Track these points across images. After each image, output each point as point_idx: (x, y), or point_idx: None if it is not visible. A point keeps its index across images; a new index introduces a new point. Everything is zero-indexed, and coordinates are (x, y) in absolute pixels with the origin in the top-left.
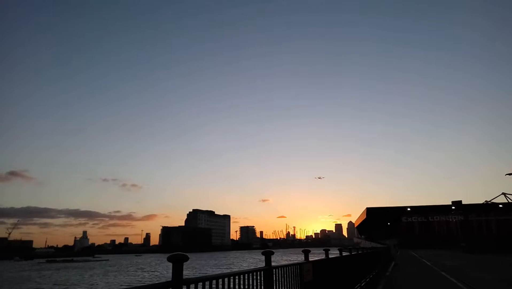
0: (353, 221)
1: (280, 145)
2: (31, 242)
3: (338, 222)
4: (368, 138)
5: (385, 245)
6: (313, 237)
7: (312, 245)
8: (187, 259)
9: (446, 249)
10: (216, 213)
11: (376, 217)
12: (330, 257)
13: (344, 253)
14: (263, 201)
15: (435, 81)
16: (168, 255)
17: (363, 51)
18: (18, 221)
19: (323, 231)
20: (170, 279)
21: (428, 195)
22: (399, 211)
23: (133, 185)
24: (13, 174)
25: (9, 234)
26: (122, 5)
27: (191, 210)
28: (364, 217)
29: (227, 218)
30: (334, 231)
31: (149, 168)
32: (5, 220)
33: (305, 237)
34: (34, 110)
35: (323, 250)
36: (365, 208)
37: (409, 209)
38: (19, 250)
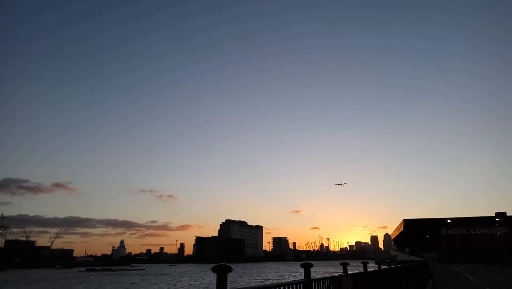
0: (390, 233)
1: (314, 156)
2: (72, 250)
3: (374, 234)
4: (406, 149)
5: (424, 259)
6: (348, 249)
7: (347, 257)
8: (231, 269)
9: (490, 263)
10: (248, 223)
11: (414, 229)
12: (368, 270)
13: (383, 267)
14: (296, 212)
15: (476, 88)
16: (201, 265)
17: (395, 62)
18: (60, 230)
19: (358, 243)
20: None
21: (469, 206)
22: (439, 223)
23: (169, 196)
24: (57, 185)
25: (52, 242)
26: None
27: (224, 220)
28: (401, 229)
29: (259, 228)
30: (369, 243)
31: (184, 179)
32: (49, 230)
33: (339, 249)
34: (76, 126)
35: (361, 263)
36: (402, 219)
37: (449, 221)
38: (60, 259)
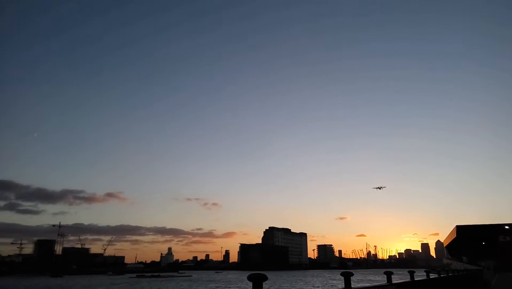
0: (442, 240)
1: (359, 162)
2: (123, 257)
3: (425, 242)
4: (456, 153)
5: (480, 267)
6: (397, 257)
7: (396, 265)
8: (266, 278)
9: None
10: (292, 230)
11: (468, 236)
12: (415, 279)
13: (432, 276)
14: (341, 218)
15: None
16: (246, 272)
17: (450, 66)
18: (112, 238)
19: (407, 250)
20: None
21: None
22: (495, 229)
23: (214, 204)
24: (109, 195)
25: (105, 250)
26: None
27: (268, 228)
28: (454, 236)
29: (303, 236)
30: (420, 251)
31: (228, 187)
32: (102, 237)
33: (388, 257)
34: (126, 137)
35: (408, 272)
36: (454, 226)
37: (507, 227)
38: (112, 265)
